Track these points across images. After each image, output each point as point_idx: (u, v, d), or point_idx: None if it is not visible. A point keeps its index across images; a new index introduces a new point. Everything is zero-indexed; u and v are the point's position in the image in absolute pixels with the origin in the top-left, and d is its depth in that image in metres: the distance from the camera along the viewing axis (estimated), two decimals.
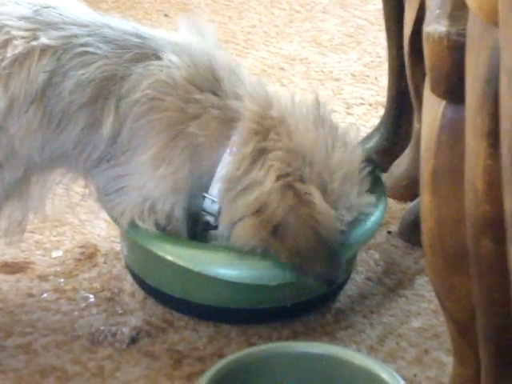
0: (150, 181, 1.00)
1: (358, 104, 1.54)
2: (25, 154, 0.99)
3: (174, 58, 0.99)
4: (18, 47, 0.96)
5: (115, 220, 1.05)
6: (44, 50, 0.97)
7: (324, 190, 0.99)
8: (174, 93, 0.98)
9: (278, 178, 0.98)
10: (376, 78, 1.61)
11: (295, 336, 1.07)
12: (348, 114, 1.51)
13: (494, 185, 0.71)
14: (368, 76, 1.62)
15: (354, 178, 1.02)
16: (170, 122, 0.99)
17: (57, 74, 0.97)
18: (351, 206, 1.02)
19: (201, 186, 1.02)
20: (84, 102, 0.98)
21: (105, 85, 0.98)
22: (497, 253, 0.72)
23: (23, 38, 0.96)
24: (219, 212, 1.02)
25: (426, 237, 0.86)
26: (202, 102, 0.99)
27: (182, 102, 0.98)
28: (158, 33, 1.03)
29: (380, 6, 1.34)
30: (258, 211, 0.97)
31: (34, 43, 0.96)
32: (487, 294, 0.75)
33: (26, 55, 0.96)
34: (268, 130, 0.99)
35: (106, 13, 1.73)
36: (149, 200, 1.01)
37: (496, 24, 0.67)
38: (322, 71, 1.62)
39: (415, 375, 1.01)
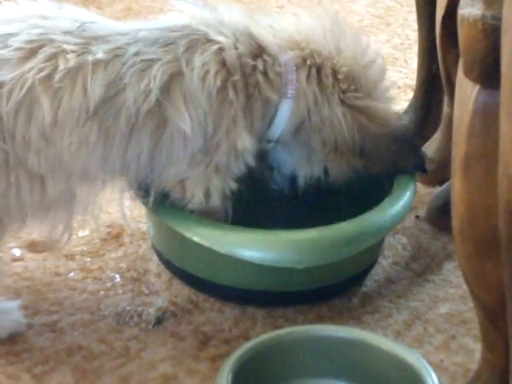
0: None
1: None
2: (77, 169, 0.98)
3: (222, 39, 0.99)
4: (70, 61, 0.94)
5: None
6: (96, 63, 0.95)
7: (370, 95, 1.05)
8: (237, 71, 0.98)
9: (342, 102, 1.02)
10: (405, 61, 1.60)
11: (321, 320, 1.06)
12: None
13: None
14: (397, 58, 1.61)
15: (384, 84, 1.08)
16: (240, 97, 0.99)
17: (114, 87, 0.95)
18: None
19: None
20: (150, 107, 0.96)
21: (168, 85, 0.96)
22: None
23: (73, 51, 0.95)
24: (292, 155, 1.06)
25: (456, 222, 0.86)
26: (257, 68, 1.00)
27: (243, 77, 0.99)
28: (183, 18, 1.02)
29: None
30: (336, 142, 1.03)
31: (86, 57, 0.95)
32: None
33: (78, 69, 0.94)
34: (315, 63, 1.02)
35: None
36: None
37: None
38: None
39: (442, 361, 1.00)
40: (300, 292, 1.08)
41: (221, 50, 0.98)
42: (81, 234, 1.18)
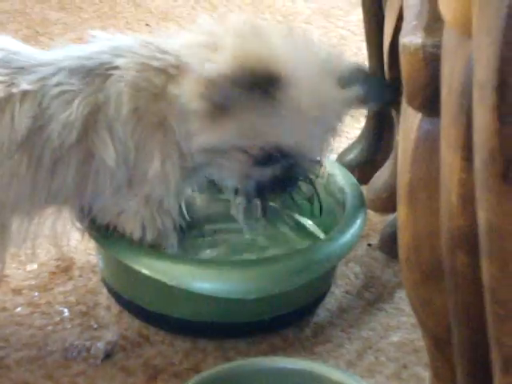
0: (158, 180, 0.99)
1: None
2: (9, 200, 0.97)
3: (122, 61, 0.97)
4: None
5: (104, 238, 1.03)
6: (24, 94, 0.95)
7: None
8: (144, 93, 0.97)
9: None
10: None
11: (273, 351, 1.05)
12: None
13: (468, 198, 0.70)
14: None
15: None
16: (153, 121, 0.97)
17: (40, 119, 0.95)
18: None
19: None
20: (74, 141, 0.96)
21: (90, 118, 0.96)
22: (471, 267, 0.71)
23: (1, 82, 0.95)
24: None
25: (402, 250, 0.85)
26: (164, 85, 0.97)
27: (153, 96, 0.97)
28: (96, 45, 1.01)
29: (362, 16, 1.33)
30: None
31: (14, 88, 0.95)
32: (462, 308, 0.74)
33: (7, 100, 0.95)
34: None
35: (86, 22, 1.75)
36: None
37: (470, 36, 0.66)
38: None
39: None
40: (251, 323, 1.07)
41: (132, 77, 0.97)
42: (29, 267, 1.16)
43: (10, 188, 0.96)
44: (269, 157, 0.97)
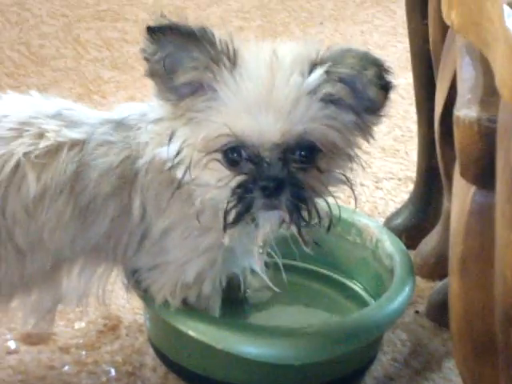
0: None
1: (387, 178, 1.53)
2: (54, 246, 0.99)
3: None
4: (49, 139, 0.98)
5: (150, 298, 1.04)
6: (73, 142, 0.99)
7: None
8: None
9: None
10: (406, 153, 1.60)
11: None
12: (377, 188, 1.50)
13: None
14: (398, 150, 1.62)
15: None
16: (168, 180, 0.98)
17: (83, 164, 0.98)
18: None
19: None
20: (110, 191, 0.99)
21: (127, 169, 0.99)
22: None
23: (54, 131, 0.99)
24: None
25: (454, 322, 0.85)
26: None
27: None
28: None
29: (411, 80, 1.34)
30: None
31: (64, 137, 0.99)
32: None
33: (57, 147, 0.99)
34: None
35: (139, 81, 1.77)
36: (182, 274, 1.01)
37: None
38: None
39: None
40: None
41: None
42: (77, 326, 1.17)
43: (54, 232, 0.98)
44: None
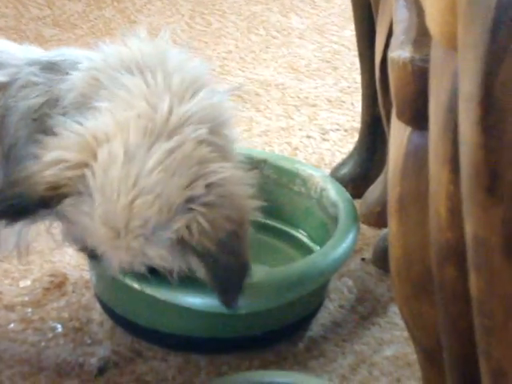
0: None
1: (333, 130, 1.53)
2: None
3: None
4: None
5: None
6: None
7: None
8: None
9: None
10: (352, 104, 1.61)
11: (266, 365, 1.05)
12: (324, 139, 1.50)
13: (456, 211, 0.70)
14: (344, 102, 1.62)
15: None
16: None
17: (6, 108, 0.96)
18: None
19: None
20: (27, 135, 0.95)
21: (44, 114, 0.96)
22: (460, 280, 0.71)
23: None
24: None
25: (393, 264, 0.85)
26: None
27: None
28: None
29: None
30: None
31: None
32: (451, 321, 0.74)
33: None
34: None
35: (81, 39, 1.75)
36: None
37: (457, 50, 0.66)
38: (298, 97, 1.62)
39: None
40: (244, 338, 1.07)
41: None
42: (22, 284, 1.16)
43: None
44: None
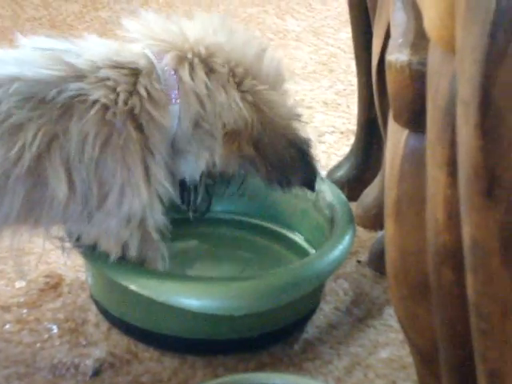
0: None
1: (329, 132, 1.54)
2: None
3: (98, 94, 0.95)
4: None
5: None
6: None
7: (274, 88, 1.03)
8: (118, 124, 0.96)
9: (241, 89, 0.98)
10: (348, 106, 1.61)
11: (261, 367, 1.05)
12: (320, 142, 1.50)
13: (453, 214, 0.70)
14: (340, 104, 1.62)
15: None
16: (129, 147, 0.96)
17: None
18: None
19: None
20: (23, 172, 0.93)
21: (44, 150, 0.94)
22: (457, 283, 0.71)
23: None
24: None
25: (389, 266, 0.85)
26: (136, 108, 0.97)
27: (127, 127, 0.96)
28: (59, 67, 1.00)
29: None
30: (235, 123, 0.98)
31: None
32: (448, 324, 0.74)
33: None
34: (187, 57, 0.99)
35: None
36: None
37: (455, 53, 0.66)
38: (294, 99, 1.61)
39: None
40: (240, 340, 1.07)
41: (99, 109, 0.94)
42: (18, 284, 1.16)
43: None
44: None
